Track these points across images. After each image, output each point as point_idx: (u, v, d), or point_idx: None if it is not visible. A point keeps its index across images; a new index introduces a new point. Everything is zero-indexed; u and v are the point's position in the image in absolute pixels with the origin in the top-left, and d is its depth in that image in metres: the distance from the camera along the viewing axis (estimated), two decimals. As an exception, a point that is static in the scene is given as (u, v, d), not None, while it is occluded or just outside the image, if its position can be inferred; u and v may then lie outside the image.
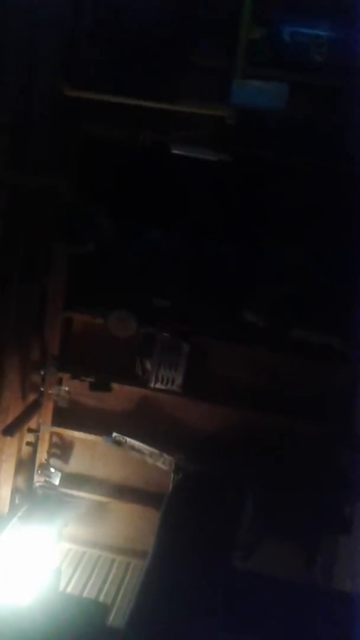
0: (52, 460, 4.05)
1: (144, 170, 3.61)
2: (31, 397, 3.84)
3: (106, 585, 3.72)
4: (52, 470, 3.96)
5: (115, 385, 3.90)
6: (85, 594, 3.60)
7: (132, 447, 3.79)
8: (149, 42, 3.23)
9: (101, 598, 3.57)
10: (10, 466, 3.67)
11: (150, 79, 3.20)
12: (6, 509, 3.68)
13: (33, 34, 3.04)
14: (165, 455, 3.76)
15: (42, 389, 3.91)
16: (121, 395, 3.95)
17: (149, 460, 3.79)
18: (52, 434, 4.05)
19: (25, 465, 3.93)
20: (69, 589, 3.61)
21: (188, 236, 3.79)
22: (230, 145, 3.40)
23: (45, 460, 4.02)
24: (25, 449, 3.91)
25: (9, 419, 3.52)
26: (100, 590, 3.68)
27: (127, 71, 3.22)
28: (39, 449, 3.99)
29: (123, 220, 3.75)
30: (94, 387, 3.90)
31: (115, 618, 3.23)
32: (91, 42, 3.35)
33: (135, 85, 3.16)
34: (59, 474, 3.96)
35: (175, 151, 3.45)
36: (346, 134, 3.22)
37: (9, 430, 3.48)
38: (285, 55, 3.24)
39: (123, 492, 3.99)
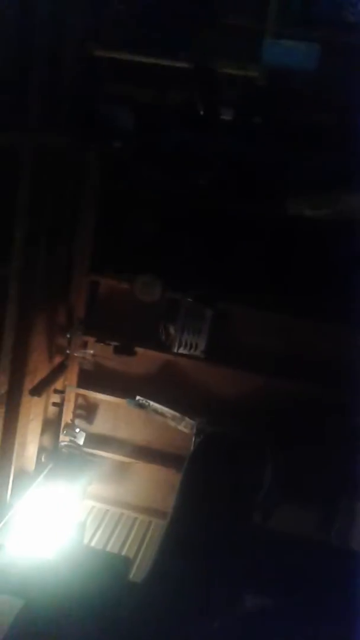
0: (77, 421, 4.15)
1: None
2: (57, 359, 3.92)
3: (128, 542, 3.84)
4: (77, 430, 4.06)
5: (139, 350, 3.95)
6: (108, 550, 3.72)
7: (155, 410, 3.86)
8: (177, 1, 3.17)
9: (123, 553, 3.68)
10: (37, 425, 3.77)
11: (180, 39, 3.15)
12: (33, 466, 3.79)
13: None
14: (187, 419, 3.82)
15: (68, 352, 3.98)
16: (145, 359, 4.00)
17: (171, 423, 3.85)
18: (77, 395, 4.14)
19: (51, 425, 4.04)
20: (92, 544, 3.73)
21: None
22: (260, 107, 3.34)
23: (71, 420, 4.12)
24: (52, 409, 4.01)
25: (37, 379, 3.61)
26: (122, 547, 3.79)
27: (155, 31, 3.17)
28: (65, 409, 4.09)
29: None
30: (118, 350, 3.95)
31: (137, 572, 3.34)
32: (120, 1, 3.30)
33: (164, 45, 3.11)
34: (84, 434, 4.06)
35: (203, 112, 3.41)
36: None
37: (37, 391, 3.56)
38: (318, 14, 3.16)
39: (145, 453, 4.07)
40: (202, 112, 3.45)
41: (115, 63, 3.35)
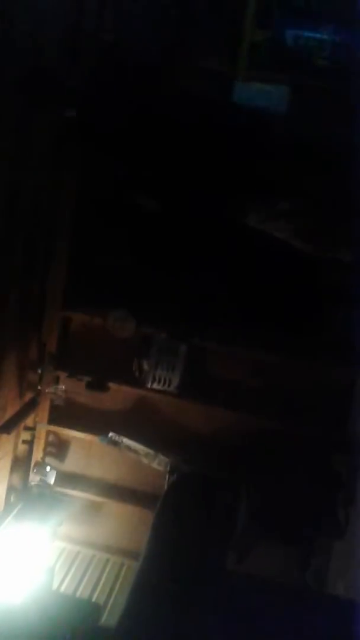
0: (48, 459, 4.05)
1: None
2: (28, 395, 3.84)
3: (100, 585, 3.73)
4: (48, 468, 3.96)
5: (112, 385, 3.91)
6: (78, 594, 3.61)
7: (128, 447, 3.80)
8: (150, 43, 3.23)
9: (94, 597, 3.58)
10: (6, 464, 3.68)
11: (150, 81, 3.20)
12: (1, 507, 3.68)
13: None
14: (160, 456, 3.76)
15: (39, 387, 3.91)
16: (118, 395, 3.96)
17: (144, 461, 3.79)
18: (48, 432, 4.05)
19: (21, 464, 3.94)
20: (62, 588, 3.62)
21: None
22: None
23: (41, 458, 4.03)
24: (22, 447, 3.92)
25: (6, 416, 3.53)
26: (93, 590, 3.69)
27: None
28: (35, 447, 4.00)
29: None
30: (90, 386, 3.90)
31: (109, 618, 3.23)
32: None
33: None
34: (55, 473, 3.97)
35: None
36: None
37: (6, 428, 3.48)
38: (288, 58, 3.26)
39: (118, 492, 3.99)
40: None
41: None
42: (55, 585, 3.52)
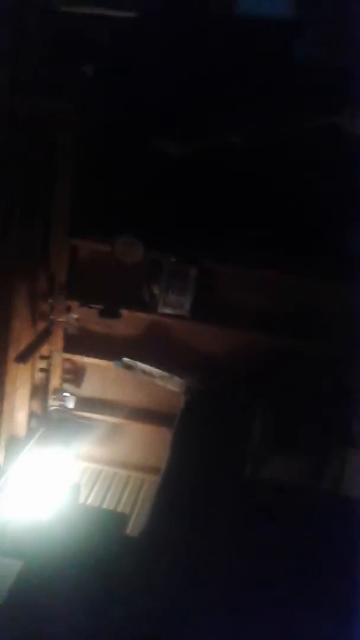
0: (66, 385, 4.16)
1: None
2: (41, 326, 3.90)
3: (123, 500, 3.90)
4: (66, 394, 4.07)
5: (124, 312, 3.94)
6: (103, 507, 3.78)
7: (143, 371, 3.87)
8: None
9: (119, 510, 3.74)
10: (25, 391, 3.78)
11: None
12: (24, 432, 3.81)
13: None
14: (175, 378, 3.84)
15: (51, 317, 3.96)
16: (130, 321, 4.00)
17: (159, 383, 3.88)
18: (63, 360, 4.13)
19: (40, 391, 4.05)
20: (87, 504, 3.79)
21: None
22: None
23: (59, 385, 4.13)
24: (39, 375, 4.01)
25: (21, 346, 3.59)
26: (117, 504, 3.86)
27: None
28: (52, 374, 4.09)
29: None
30: (103, 313, 3.94)
31: (133, 529, 3.39)
32: None
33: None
34: (73, 398, 4.08)
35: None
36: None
37: (22, 358, 3.56)
38: None
39: (135, 413, 4.10)
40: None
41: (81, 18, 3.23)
42: (80, 501, 3.69)
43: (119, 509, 3.79)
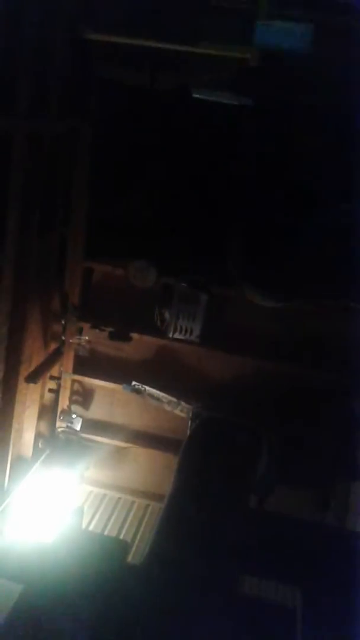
0: (74, 407, 4.17)
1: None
2: (53, 346, 3.93)
3: (126, 525, 3.88)
4: (74, 416, 4.08)
5: (134, 335, 3.96)
6: (106, 533, 3.75)
7: (151, 395, 3.88)
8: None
9: (121, 537, 3.72)
10: (33, 412, 3.79)
11: (171, 21, 3.11)
12: (30, 453, 3.82)
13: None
14: (183, 403, 3.84)
15: (63, 338, 3.99)
16: (140, 344, 4.02)
17: (167, 408, 3.87)
18: (73, 381, 4.16)
19: (48, 411, 4.06)
20: (90, 529, 3.77)
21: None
22: (253, 89, 3.32)
23: (67, 406, 4.15)
24: (48, 396, 4.03)
25: (32, 366, 3.62)
26: (120, 530, 3.84)
27: (148, 14, 3.13)
28: (61, 395, 4.11)
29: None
30: (113, 336, 3.96)
31: (135, 556, 3.37)
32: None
33: (156, 28, 3.07)
34: (80, 420, 4.09)
35: (196, 95, 3.38)
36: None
37: (32, 378, 3.58)
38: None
39: (142, 437, 4.11)
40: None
41: (107, 46, 3.30)
42: (84, 526, 3.67)
43: (122, 534, 3.77)
